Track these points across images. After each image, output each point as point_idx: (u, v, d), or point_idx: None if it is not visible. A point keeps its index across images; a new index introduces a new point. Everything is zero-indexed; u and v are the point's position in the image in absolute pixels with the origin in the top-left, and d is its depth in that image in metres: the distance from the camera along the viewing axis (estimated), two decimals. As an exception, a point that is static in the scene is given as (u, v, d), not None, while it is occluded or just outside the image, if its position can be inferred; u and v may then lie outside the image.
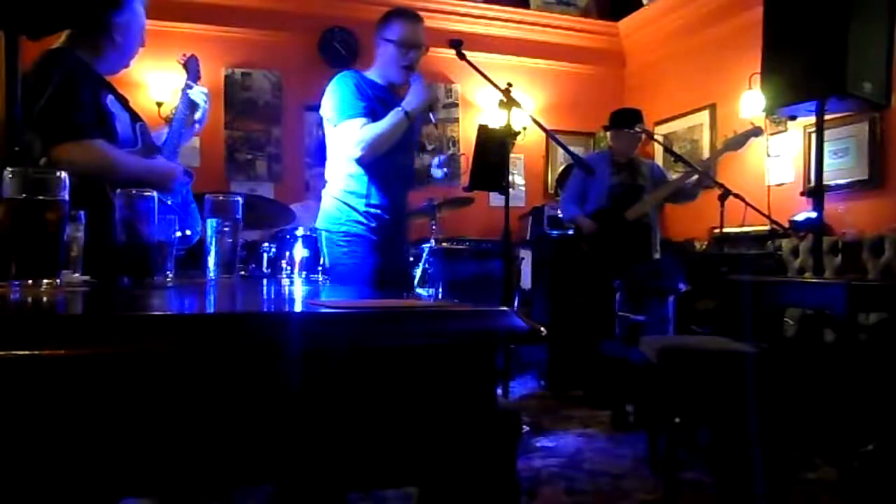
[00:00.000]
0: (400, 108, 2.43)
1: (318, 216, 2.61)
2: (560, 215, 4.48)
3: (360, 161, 2.44)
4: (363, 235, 2.50)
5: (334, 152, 2.55)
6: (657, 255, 4.16)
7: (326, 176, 2.62)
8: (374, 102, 2.48)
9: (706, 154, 5.38)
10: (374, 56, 2.63)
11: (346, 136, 2.43)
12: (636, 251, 4.00)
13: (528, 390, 4.25)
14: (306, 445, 0.63)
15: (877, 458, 2.36)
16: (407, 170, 2.66)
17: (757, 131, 3.89)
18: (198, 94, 2.14)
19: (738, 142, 3.85)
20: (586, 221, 4.02)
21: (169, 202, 1.96)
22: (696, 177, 4.03)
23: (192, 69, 2.19)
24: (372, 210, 2.50)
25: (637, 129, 4.04)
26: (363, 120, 2.41)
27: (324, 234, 2.51)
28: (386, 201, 2.53)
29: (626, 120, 4.12)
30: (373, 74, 2.58)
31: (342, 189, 2.52)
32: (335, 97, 2.47)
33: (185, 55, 2.22)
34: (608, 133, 4.26)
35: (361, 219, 2.50)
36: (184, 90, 2.14)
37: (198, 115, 2.15)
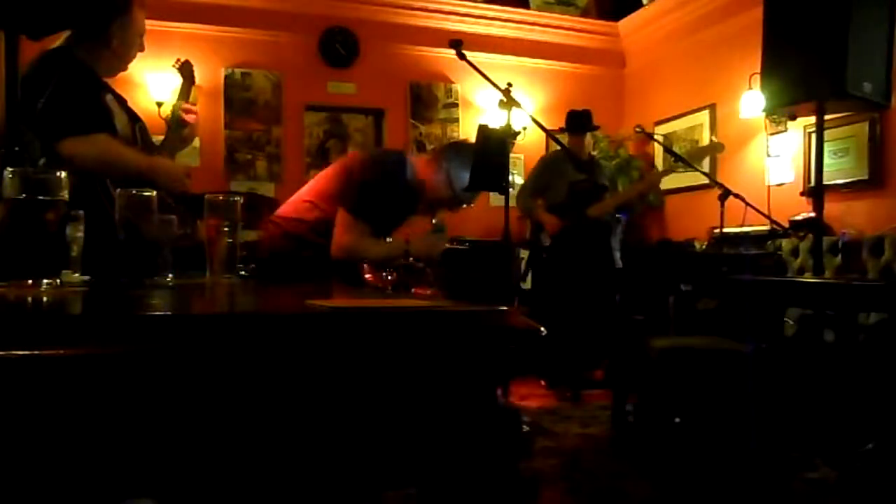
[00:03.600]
0: (405, 246, 2.34)
1: (268, 249, 2.42)
2: (521, 212, 4.47)
3: (334, 254, 2.30)
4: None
5: (324, 202, 2.37)
6: (618, 254, 4.22)
7: (299, 209, 2.42)
8: (396, 202, 2.38)
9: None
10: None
11: (346, 231, 2.28)
12: (596, 249, 4.06)
13: (529, 390, 4.25)
14: (304, 446, 0.63)
15: (877, 458, 2.36)
16: None
17: (719, 146, 4.10)
18: (190, 123, 2.18)
19: (699, 155, 3.96)
20: (549, 217, 4.08)
21: (171, 202, 1.96)
22: (639, 188, 4.27)
23: (186, 73, 2.21)
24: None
25: (577, 135, 4.26)
26: (368, 228, 2.30)
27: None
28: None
29: (569, 124, 4.30)
30: (416, 169, 2.42)
31: (304, 234, 2.37)
32: (367, 183, 2.29)
33: (179, 60, 2.22)
34: (566, 133, 4.37)
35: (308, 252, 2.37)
36: (174, 111, 2.17)
37: (185, 132, 2.18)
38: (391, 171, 2.33)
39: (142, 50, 2.06)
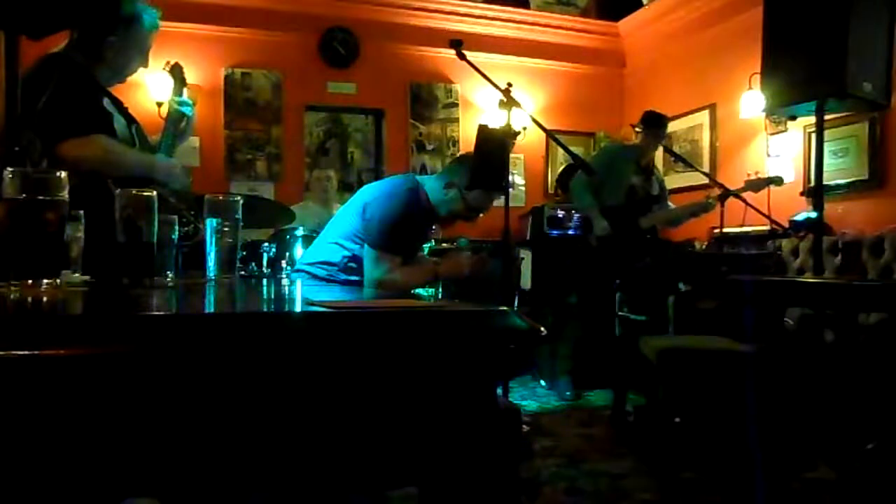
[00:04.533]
0: (434, 271, 2.46)
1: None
2: (574, 204, 4.41)
3: (369, 286, 2.37)
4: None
5: (348, 241, 2.41)
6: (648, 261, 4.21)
7: (325, 252, 2.45)
8: (415, 229, 2.45)
9: (706, 154, 5.38)
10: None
11: (376, 266, 2.33)
12: (640, 257, 4.03)
13: (529, 390, 4.25)
14: (305, 446, 0.63)
15: (877, 458, 2.36)
16: None
17: (778, 180, 3.94)
18: (185, 106, 2.19)
19: (758, 185, 3.89)
20: (603, 223, 3.99)
21: (172, 200, 1.97)
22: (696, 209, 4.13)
23: (177, 76, 2.23)
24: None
25: (660, 134, 4.12)
26: (398, 259, 2.35)
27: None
28: None
29: (659, 123, 4.15)
30: (427, 190, 2.46)
31: (325, 269, 2.41)
32: (385, 219, 2.33)
33: (169, 62, 2.25)
34: (639, 131, 4.22)
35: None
36: (170, 106, 2.18)
37: (182, 125, 2.19)
38: (406, 202, 2.36)
39: (145, 66, 2.07)
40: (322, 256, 2.45)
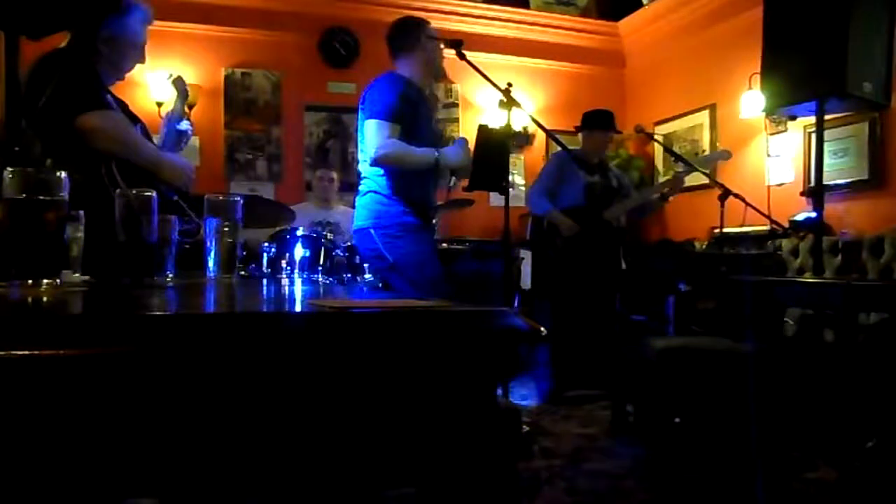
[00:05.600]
0: (436, 155, 2.55)
1: (358, 216, 2.64)
2: (530, 208, 4.42)
3: (373, 163, 2.54)
4: (417, 222, 2.59)
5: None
6: (622, 265, 4.19)
7: (364, 172, 2.68)
8: (411, 107, 2.60)
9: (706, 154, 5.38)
10: (394, 63, 2.82)
11: (376, 135, 2.51)
12: (610, 253, 4.03)
13: (529, 390, 4.25)
14: (304, 446, 0.63)
15: (877, 457, 2.36)
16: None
17: (726, 155, 4.06)
18: (185, 127, 2.25)
19: (709, 160, 3.92)
20: (566, 220, 3.99)
21: (175, 199, 1.98)
22: (663, 189, 4.14)
23: (180, 88, 2.28)
24: (416, 200, 2.61)
25: (610, 132, 4.13)
26: (397, 127, 2.52)
27: (373, 232, 2.57)
28: (423, 194, 2.65)
29: (600, 121, 4.15)
30: (414, 77, 2.70)
31: (384, 185, 2.60)
32: (381, 95, 2.56)
33: (171, 75, 2.34)
34: (580, 133, 4.24)
35: (409, 210, 2.58)
36: (170, 120, 2.22)
37: (182, 126, 2.24)
38: (395, 79, 2.63)
39: (142, 61, 2.09)
40: (368, 185, 2.63)
